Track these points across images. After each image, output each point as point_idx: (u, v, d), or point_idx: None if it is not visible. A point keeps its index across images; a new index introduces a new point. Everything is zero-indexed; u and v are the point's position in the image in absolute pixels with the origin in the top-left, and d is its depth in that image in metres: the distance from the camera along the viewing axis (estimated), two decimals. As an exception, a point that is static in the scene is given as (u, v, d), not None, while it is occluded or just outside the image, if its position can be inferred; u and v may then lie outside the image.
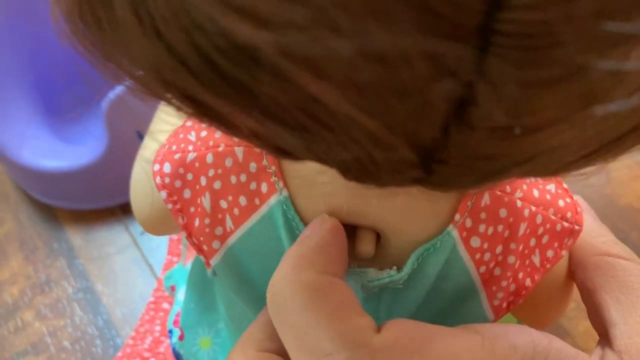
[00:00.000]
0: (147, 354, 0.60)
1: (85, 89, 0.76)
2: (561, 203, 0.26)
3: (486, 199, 0.24)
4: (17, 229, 0.75)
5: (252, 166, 0.24)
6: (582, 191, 0.67)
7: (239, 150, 0.25)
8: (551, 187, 0.26)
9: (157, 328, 0.62)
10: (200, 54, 0.11)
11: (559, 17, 0.10)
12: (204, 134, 0.26)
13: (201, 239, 0.26)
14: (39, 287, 0.69)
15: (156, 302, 0.64)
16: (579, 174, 0.16)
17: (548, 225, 0.25)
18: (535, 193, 0.25)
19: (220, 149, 0.25)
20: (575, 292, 0.29)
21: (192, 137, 0.26)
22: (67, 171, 0.68)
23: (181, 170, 0.26)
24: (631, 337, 0.22)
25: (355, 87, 0.11)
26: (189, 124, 0.27)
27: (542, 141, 0.13)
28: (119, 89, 0.62)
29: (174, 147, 0.27)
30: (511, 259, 0.25)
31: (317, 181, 0.23)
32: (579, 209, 0.26)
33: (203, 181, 0.25)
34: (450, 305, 0.26)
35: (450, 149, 0.13)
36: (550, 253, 0.26)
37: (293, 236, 0.24)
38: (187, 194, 0.26)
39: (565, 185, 0.27)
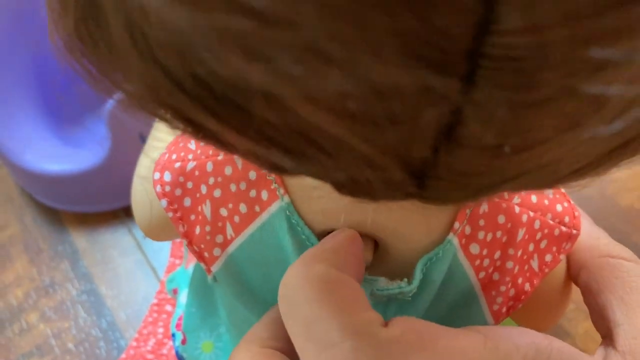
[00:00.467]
0: (150, 356, 0.60)
1: (88, 93, 0.76)
2: (559, 208, 0.26)
3: (484, 206, 0.24)
4: (22, 231, 0.75)
5: (252, 174, 0.25)
6: (583, 193, 0.67)
7: (239, 159, 0.25)
8: (549, 192, 0.26)
9: (160, 330, 0.62)
10: (195, 77, 0.12)
11: (543, 42, 0.10)
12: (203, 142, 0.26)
13: (202, 246, 0.26)
14: (44, 289, 0.69)
15: (159, 304, 0.64)
16: (572, 186, 0.17)
17: (546, 230, 0.25)
18: (534, 198, 0.25)
19: (219, 157, 0.25)
20: (575, 294, 0.29)
21: (192, 145, 0.27)
22: (71, 174, 0.68)
23: (181, 179, 0.26)
24: (635, 337, 0.23)
25: (347, 113, 0.11)
26: (188, 132, 0.28)
27: (531, 159, 0.13)
28: (120, 94, 0.62)
29: (174, 156, 0.27)
30: (510, 264, 0.25)
31: (315, 192, 0.24)
32: (576, 214, 0.26)
33: (203, 189, 0.26)
34: (451, 311, 0.26)
35: (440, 167, 0.13)
36: (548, 257, 0.26)
37: (298, 241, 0.24)
38: (187, 202, 0.26)
39: (563, 190, 0.27)
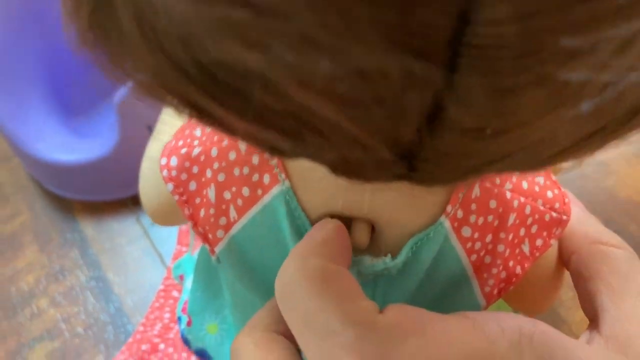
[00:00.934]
0: (156, 340, 0.62)
1: (98, 84, 0.78)
2: (549, 194, 0.27)
3: (477, 191, 0.25)
4: (33, 220, 0.77)
5: (255, 159, 0.26)
6: (581, 184, 0.68)
7: (242, 145, 0.26)
8: (540, 179, 0.27)
9: (167, 315, 0.63)
10: (198, 65, 0.13)
11: (521, 31, 0.10)
12: (209, 129, 0.28)
13: (206, 228, 0.28)
14: (54, 275, 0.71)
15: (166, 290, 0.66)
16: (557, 168, 0.18)
17: (537, 216, 0.26)
18: (524, 185, 0.26)
19: (224, 143, 0.26)
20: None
21: (198, 132, 0.28)
22: (80, 164, 0.70)
23: (187, 164, 0.27)
24: (620, 321, 0.23)
25: (336, 96, 0.12)
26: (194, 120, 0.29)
27: (512, 141, 0.14)
28: (130, 85, 0.63)
29: (180, 142, 0.28)
30: (501, 248, 0.26)
31: (314, 176, 0.25)
32: (566, 200, 0.27)
33: (208, 174, 0.27)
34: (443, 292, 0.27)
35: (426, 149, 0.14)
36: (539, 242, 0.27)
37: (295, 227, 0.25)
38: (192, 186, 0.27)
39: (554, 178, 0.28)
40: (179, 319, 0.45)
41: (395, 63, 0.11)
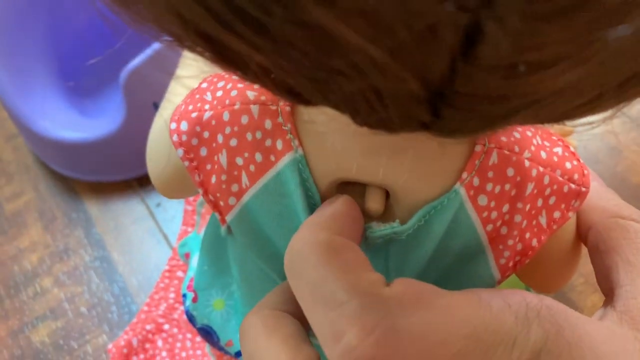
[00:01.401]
0: (161, 320, 0.61)
1: (104, 62, 0.77)
2: (568, 165, 0.26)
3: (494, 158, 0.24)
4: (37, 199, 0.76)
5: (268, 123, 0.25)
6: (594, 169, 0.67)
7: (255, 108, 0.25)
8: (558, 149, 0.26)
9: (172, 295, 0.63)
10: None
11: None
12: (219, 93, 0.27)
13: (217, 195, 0.27)
14: (58, 255, 0.71)
15: (171, 270, 0.65)
16: (584, 123, 0.17)
17: (555, 186, 0.26)
18: (543, 154, 0.25)
19: (236, 107, 0.26)
20: (583, 266, 0.30)
21: (208, 97, 0.27)
22: (85, 142, 0.69)
23: (198, 128, 0.27)
24: (635, 297, 0.23)
25: (362, 14, 0.11)
26: (204, 85, 0.28)
27: (546, 81, 0.13)
28: (136, 62, 0.63)
29: (190, 107, 0.27)
30: (518, 218, 0.25)
31: (329, 139, 0.24)
32: (585, 172, 0.26)
33: (220, 139, 0.26)
34: (457, 263, 0.26)
35: (457, 86, 0.13)
36: (557, 214, 0.26)
37: (306, 197, 0.25)
38: (203, 151, 0.27)
39: (572, 149, 0.27)
40: (184, 296, 0.44)
41: None
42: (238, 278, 0.36)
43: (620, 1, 0.11)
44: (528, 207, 0.25)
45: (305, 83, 0.14)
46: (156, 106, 0.65)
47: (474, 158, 0.24)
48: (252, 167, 0.26)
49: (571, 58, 0.12)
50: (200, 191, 0.28)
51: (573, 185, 0.26)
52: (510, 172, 0.25)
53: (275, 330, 0.23)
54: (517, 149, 0.25)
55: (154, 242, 0.70)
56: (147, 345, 0.61)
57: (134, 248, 0.70)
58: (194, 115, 0.27)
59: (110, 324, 0.65)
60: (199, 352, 0.60)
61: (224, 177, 0.26)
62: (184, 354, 0.60)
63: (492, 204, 0.25)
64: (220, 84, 0.27)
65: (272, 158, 0.25)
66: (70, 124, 0.70)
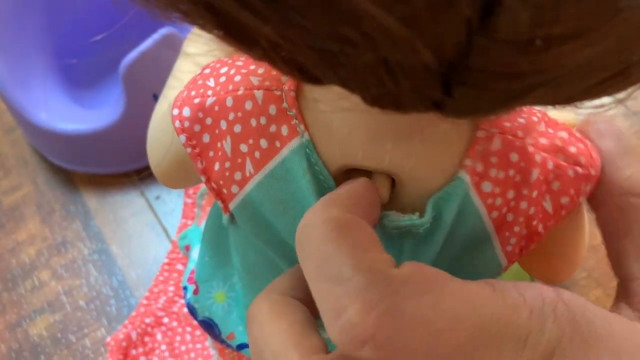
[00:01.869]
0: (160, 313, 0.61)
1: (103, 53, 0.76)
2: (573, 149, 0.25)
3: (497, 143, 0.24)
4: (35, 192, 0.76)
5: (272, 109, 0.24)
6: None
7: (259, 94, 0.25)
8: (563, 134, 0.26)
9: (171, 289, 0.63)
10: None
11: None
12: (223, 79, 0.26)
13: (220, 183, 0.27)
14: (56, 248, 0.70)
15: (170, 263, 0.65)
16: (596, 105, 0.16)
17: (558, 171, 0.25)
18: (545, 140, 0.25)
19: (240, 92, 0.25)
20: (586, 262, 0.29)
21: (211, 82, 0.27)
22: (84, 134, 0.69)
23: (200, 115, 0.26)
24: None
25: None
26: (207, 71, 0.28)
27: (562, 57, 0.13)
28: (136, 53, 0.62)
29: (192, 93, 0.27)
30: (523, 205, 0.25)
31: (334, 126, 0.24)
32: (594, 154, 0.26)
33: (223, 125, 0.26)
34: (464, 251, 0.26)
35: (472, 60, 0.13)
36: (564, 200, 0.25)
37: (316, 181, 0.24)
38: (206, 138, 0.26)
39: (579, 135, 0.27)
40: (185, 288, 0.44)
41: None
42: (240, 269, 0.35)
43: None
44: (535, 193, 0.25)
45: (314, 57, 0.14)
46: (156, 97, 0.64)
47: (476, 143, 0.24)
48: (257, 154, 0.25)
49: (590, 32, 0.12)
50: (203, 179, 0.27)
51: (579, 169, 0.25)
52: (514, 157, 0.24)
53: (283, 316, 0.22)
54: (520, 133, 0.24)
55: (153, 235, 0.70)
56: (147, 339, 0.60)
57: (133, 241, 0.69)
58: (196, 101, 0.26)
59: (108, 317, 0.64)
60: (198, 345, 0.60)
61: (227, 165, 0.26)
62: (183, 348, 0.60)
63: (497, 190, 0.24)
64: (223, 70, 0.27)
65: (277, 144, 0.25)
66: (68, 116, 0.70)
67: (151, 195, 0.72)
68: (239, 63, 0.27)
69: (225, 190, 0.27)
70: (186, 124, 0.26)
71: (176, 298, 0.62)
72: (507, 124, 0.24)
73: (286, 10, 0.12)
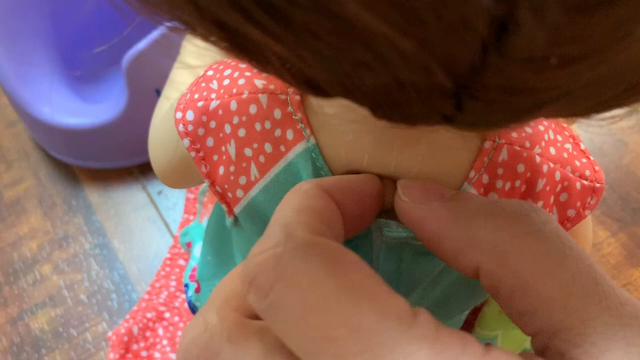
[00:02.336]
0: (162, 308, 0.61)
1: (106, 51, 0.76)
2: (578, 163, 0.25)
3: (504, 154, 0.24)
4: (37, 186, 0.76)
5: (277, 113, 0.24)
6: (599, 162, 0.67)
7: (263, 97, 0.25)
8: (568, 146, 0.26)
9: (173, 283, 0.63)
10: None
11: None
12: (226, 82, 0.26)
13: (225, 187, 0.26)
14: (57, 242, 0.70)
15: (172, 258, 0.65)
16: (608, 117, 0.16)
17: (566, 183, 0.25)
18: (554, 150, 0.25)
19: (244, 96, 0.25)
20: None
21: (215, 85, 0.27)
22: (87, 129, 0.69)
23: (204, 118, 0.26)
24: None
25: (390, 3, 0.11)
26: (210, 73, 0.27)
27: (578, 75, 0.13)
28: (139, 48, 0.62)
29: (196, 96, 0.27)
30: None
31: (339, 130, 0.24)
32: (597, 168, 0.26)
33: (227, 129, 0.25)
34: None
35: (486, 77, 0.13)
36: (571, 212, 0.25)
37: None
38: (210, 142, 0.26)
39: (582, 147, 0.27)
40: (187, 286, 0.44)
41: None
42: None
43: None
44: (540, 204, 0.25)
45: (326, 75, 0.13)
46: (158, 93, 0.64)
47: (483, 155, 0.24)
48: (261, 158, 0.25)
49: (604, 51, 0.12)
50: (207, 183, 0.27)
51: (586, 182, 0.25)
52: (520, 168, 0.24)
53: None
54: (527, 144, 0.24)
55: (154, 229, 0.70)
56: (148, 333, 0.60)
57: (134, 236, 0.70)
58: (200, 104, 0.26)
59: (110, 311, 0.64)
60: (199, 341, 0.60)
61: (232, 169, 0.26)
62: (184, 343, 0.60)
63: None
64: (227, 72, 0.27)
65: (282, 148, 0.25)
66: (71, 110, 0.70)
67: (153, 190, 0.72)
68: (242, 65, 0.26)
69: (230, 195, 0.26)
70: (190, 127, 0.26)
71: (178, 293, 0.62)
72: (514, 135, 0.24)
73: (299, 31, 0.12)
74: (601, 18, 0.11)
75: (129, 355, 0.59)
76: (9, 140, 0.81)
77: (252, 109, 0.25)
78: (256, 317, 0.19)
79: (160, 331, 0.61)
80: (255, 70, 0.26)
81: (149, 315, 0.61)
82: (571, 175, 0.25)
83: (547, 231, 0.18)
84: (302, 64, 0.13)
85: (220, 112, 0.26)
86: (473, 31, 0.11)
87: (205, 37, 0.15)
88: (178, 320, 0.61)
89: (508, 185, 0.24)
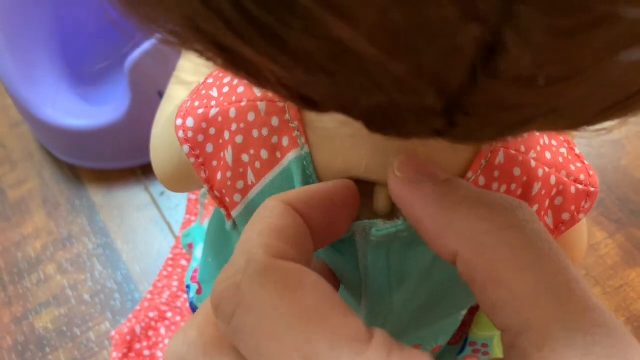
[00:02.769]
0: (164, 308, 0.62)
1: (109, 50, 0.77)
2: (573, 167, 0.26)
3: (500, 157, 0.24)
4: (41, 186, 0.76)
5: (275, 120, 0.25)
6: (597, 163, 0.67)
7: (262, 105, 0.25)
8: (563, 150, 0.26)
9: (175, 283, 0.63)
10: (233, 2, 0.12)
11: None
12: (226, 89, 0.27)
13: (223, 192, 0.27)
14: (61, 242, 0.71)
15: (174, 259, 0.66)
16: (599, 129, 0.17)
17: (561, 187, 0.25)
18: (549, 155, 0.25)
19: (243, 103, 0.26)
20: (584, 260, 0.29)
21: (214, 93, 0.27)
22: (90, 130, 0.69)
23: (204, 125, 0.26)
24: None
25: (385, 30, 0.11)
26: (210, 80, 0.28)
27: (566, 92, 0.13)
28: (141, 50, 0.62)
29: (196, 103, 0.27)
30: None
31: (338, 137, 0.24)
32: (591, 172, 0.26)
33: (226, 135, 0.26)
34: None
35: (475, 96, 0.13)
36: (565, 216, 0.26)
37: None
38: (209, 148, 0.27)
39: (577, 152, 0.27)
40: (188, 287, 0.45)
41: None
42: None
43: (638, 22, 0.11)
44: (536, 207, 0.25)
45: (321, 94, 0.14)
46: (161, 95, 0.65)
47: (480, 157, 0.24)
48: (257, 164, 0.26)
49: (590, 71, 0.12)
50: (207, 188, 0.28)
51: (580, 186, 0.26)
52: (516, 171, 0.24)
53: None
54: (523, 148, 0.25)
55: (157, 230, 0.70)
56: (151, 333, 0.61)
57: (137, 236, 0.70)
58: (200, 111, 0.27)
59: (113, 311, 0.65)
60: (201, 340, 0.61)
61: (229, 174, 0.26)
62: (186, 342, 0.60)
63: None
64: (227, 80, 0.27)
65: (278, 155, 0.25)
66: (74, 111, 0.70)
67: (156, 191, 0.73)
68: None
69: (227, 199, 0.27)
70: (190, 134, 0.27)
71: (180, 293, 0.63)
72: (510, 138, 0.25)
73: (294, 54, 0.12)
74: (584, 41, 0.11)
75: (132, 354, 0.60)
76: (14, 141, 0.81)
77: (251, 117, 0.25)
78: None
79: (163, 330, 0.61)
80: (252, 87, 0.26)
81: (151, 314, 0.61)
82: (566, 179, 0.26)
83: (528, 229, 0.18)
84: (297, 83, 0.14)
85: (219, 119, 0.26)
86: (463, 55, 0.12)
87: (203, 54, 0.15)
88: (180, 320, 0.61)
89: (504, 188, 0.25)
